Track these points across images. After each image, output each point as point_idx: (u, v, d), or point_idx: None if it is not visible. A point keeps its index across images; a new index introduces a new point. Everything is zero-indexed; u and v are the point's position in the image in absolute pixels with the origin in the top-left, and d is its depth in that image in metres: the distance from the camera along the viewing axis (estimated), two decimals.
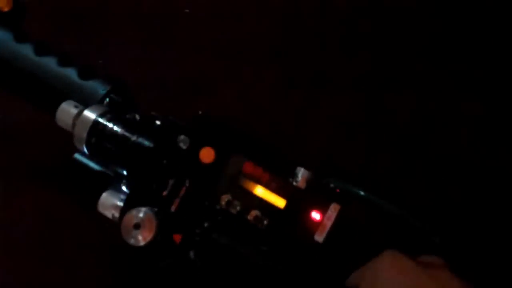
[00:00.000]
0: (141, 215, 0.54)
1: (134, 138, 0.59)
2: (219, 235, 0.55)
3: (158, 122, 0.59)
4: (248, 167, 0.56)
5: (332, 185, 0.55)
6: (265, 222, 0.56)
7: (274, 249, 0.56)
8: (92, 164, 0.63)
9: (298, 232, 0.56)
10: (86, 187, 0.61)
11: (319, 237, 0.55)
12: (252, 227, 0.56)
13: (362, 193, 0.54)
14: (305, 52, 0.80)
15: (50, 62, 0.66)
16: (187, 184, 0.56)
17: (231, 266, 0.56)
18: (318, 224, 0.56)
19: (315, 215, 0.56)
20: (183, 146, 0.57)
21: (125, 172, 0.60)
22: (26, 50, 0.66)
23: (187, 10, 0.83)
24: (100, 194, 0.59)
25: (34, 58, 0.66)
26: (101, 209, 0.59)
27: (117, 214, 0.57)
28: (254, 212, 0.56)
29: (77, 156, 0.63)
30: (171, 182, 0.56)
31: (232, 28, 0.82)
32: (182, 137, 0.57)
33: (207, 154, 0.56)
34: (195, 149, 0.56)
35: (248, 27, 0.82)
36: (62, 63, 0.65)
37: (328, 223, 0.55)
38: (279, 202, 0.57)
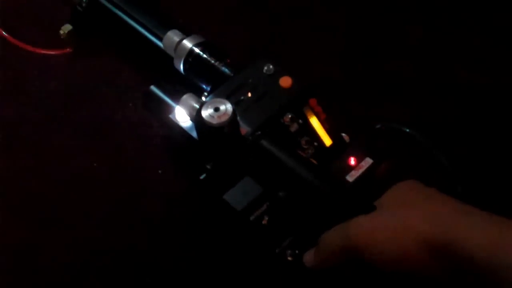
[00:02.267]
0: (222, 101, 0.64)
1: (219, 66, 0.73)
2: (270, 143, 0.65)
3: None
4: (313, 102, 0.68)
5: (378, 126, 0.67)
6: (311, 151, 0.67)
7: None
8: (163, 95, 0.73)
9: (335, 169, 0.66)
10: (156, 112, 0.73)
11: (350, 178, 0.66)
12: (300, 149, 0.66)
13: (407, 130, 0.66)
14: None
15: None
16: (263, 96, 0.67)
17: (271, 170, 0.64)
18: (352, 168, 0.66)
19: (352, 161, 0.67)
20: (267, 72, 0.68)
21: (208, 88, 0.72)
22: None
23: None
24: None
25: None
26: (181, 104, 0.69)
27: (193, 113, 0.67)
28: (307, 138, 0.67)
29: (152, 87, 0.73)
30: (249, 94, 0.67)
31: None
32: (270, 66, 0.68)
33: (285, 81, 0.68)
34: (276, 76, 0.68)
35: None
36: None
37: (360, 170, 0.66)
38: (327, 140, 0.68)
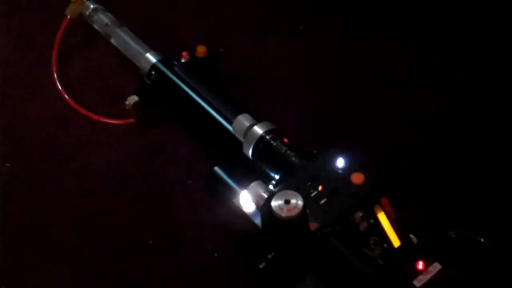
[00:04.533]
0: (293, 194, 0.63)
1: (290, 155, 0.72)
2: (339, 241, 0.63)
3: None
4: (384, 201, 0.66)
5: (450, 232, 0.65)
6: (379, 251, 0.65)
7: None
8: (227, 178, 0.72)
9: (403, 272, 0.64)
10: (218, 194, 0.72)
11: (418, 283, 0.64)
12: (368, 249, 0.64)
13: (482, 239, 0.65)
14: None
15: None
16: (334, 192, 0.65)
17: (339, 269, 0.63)
18: (420, 272, 0.64)
19: (420, 265, 0.64)
20: (339, 166, 0.67)
21: (277, 176, 0.71)
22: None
23: None
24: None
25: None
26: (248, 191, 0.68)
27: (261, 202, 0.66)
28: (375, 238, 0.65)
29: (217, 169, 0.73)
30: (320, 187, 0.66)
31: None
32: (342, 160, 0.67)
33: (358, 177, 0.67)
34: (348, 171, 0.67)
35: None
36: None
37: (428, 275, 0.64)
38: (395, 241, 0.66)
